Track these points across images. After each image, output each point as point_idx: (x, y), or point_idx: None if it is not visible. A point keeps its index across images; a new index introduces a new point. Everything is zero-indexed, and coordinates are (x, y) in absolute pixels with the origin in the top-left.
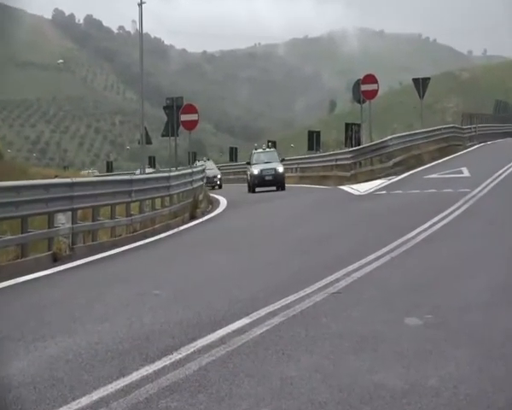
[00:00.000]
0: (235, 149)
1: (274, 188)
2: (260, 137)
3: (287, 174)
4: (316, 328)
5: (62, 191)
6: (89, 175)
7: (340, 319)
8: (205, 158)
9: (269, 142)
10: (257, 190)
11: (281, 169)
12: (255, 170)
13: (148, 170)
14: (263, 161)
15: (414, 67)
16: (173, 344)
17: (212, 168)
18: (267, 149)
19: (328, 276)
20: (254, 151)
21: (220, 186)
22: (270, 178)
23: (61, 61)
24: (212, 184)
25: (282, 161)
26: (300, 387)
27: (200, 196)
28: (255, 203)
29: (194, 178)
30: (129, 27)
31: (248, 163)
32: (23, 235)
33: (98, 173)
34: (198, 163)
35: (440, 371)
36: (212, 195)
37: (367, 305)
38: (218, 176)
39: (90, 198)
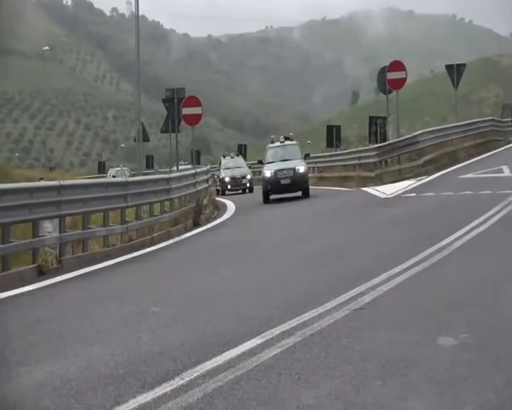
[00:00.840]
0: (245, 146)
1: (295, 194)
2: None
3: None
4: (337, 349)
5: (48, 196)
6: (120, 174)
7: (365, 340)
8: (231, 153)
9: (286, 138)
10: (273, 197)
11: (302, 169)
12: (268, 171)
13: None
14: (280, 159)
15: (447, 53)
16: (174, 368)
17: (239, 166)
18: (286, 143)
19: (351, 290)
20: (269, 145)
21: (251, 190)
22: (287, 181)
23: (46, 48)
24: (239, 187)
25: (307, 157)
26: None
27: (205, 201)
28: (266, 209)
29: (197, 179)
30: (123, 9)
31: (261, 162)
32: (4, 245)
33: (129, 172)
34: (182, 166)
35: (478, 398)
36: (218, 199)
37: (395, 323)
38: (248, 176)
39: (79, 203)
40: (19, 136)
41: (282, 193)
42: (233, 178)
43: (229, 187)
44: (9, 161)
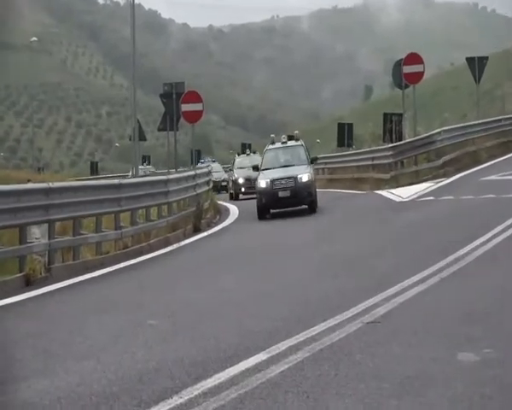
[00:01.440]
0: (249, 145)
1: (299, 207)
2: (278, 132)
3: None
4: (348, 366)
5: (36, 199)
6: (144, 172)
7: (378, 355)
8: (247, 151)
9: (290, 137)
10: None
11: (306, 177)
12: (262, 181)
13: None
14: (280, 164)
15: (469, 44)
16: (173, 386)
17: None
18: (289, 143)
19: (364, 301)
20: (268, 147)
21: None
22: (286, 193)
23: (34, 39)
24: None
25: (314, 161)
26: None
27: (206, 204)
28: (272, 213)
29: (197, 181)
30: None
31: (256, 168)
32: None
33: (153, 170)
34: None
35: None
36: (220, 202)
37: (411, 338)
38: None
39: (70, 207)
40: (4, 134)
41: (280, 208)
42: (248, 180)
43: (243, 190)
44: None
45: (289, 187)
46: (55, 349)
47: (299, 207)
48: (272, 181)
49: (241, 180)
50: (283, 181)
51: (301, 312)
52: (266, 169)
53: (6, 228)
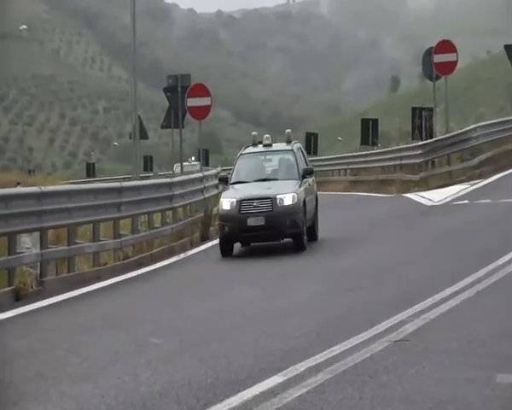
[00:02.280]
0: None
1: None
2: (295, 128)
3: (332, 178)
4: (374, 389)
5: (27, 205)
6: (189, 168)
7: (408, 377)
8: (192, 159)
9: (309, 134)
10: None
11: (289, 199)
12: (226, 201)
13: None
14: (257, 177)
15: (507, 30)
16: None
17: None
18: (274, 147)
19: (391, 317)
20: (243, 151)
21: None
22: (258, 222)
23: (23, 27)
24: None
25: (308, 174)
26: None
27: (215, 210)
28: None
29: (205, 184)
30: None
31: (223, 180)
32: None
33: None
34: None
35: None
36: None
37: (444, 357)
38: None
39: (64, 213)
40: None
41: (248, 241)
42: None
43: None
44: None
45: (263, 212)
46: (49, 371)
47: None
48: (239, 202)
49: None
50: (255, 203)
51: (321, 329)
52: (237, 183)
53: None
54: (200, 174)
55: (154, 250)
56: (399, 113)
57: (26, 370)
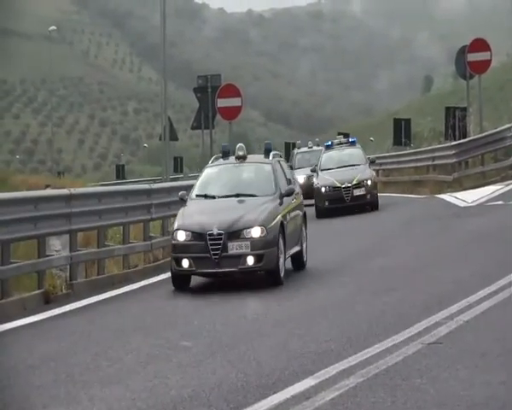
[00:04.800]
0: (293, 144)
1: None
2: (326, 129)
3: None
4: (407, 393)
5: (56, 207)
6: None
7: (441, 380)
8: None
9: (339, 134)
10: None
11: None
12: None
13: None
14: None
15: None
16: None
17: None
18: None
19: (424, 320)
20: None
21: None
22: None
23: (53, 28)
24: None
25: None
26: None
27: None
28: (320, 219)
29: None
30: None
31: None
32: (3, 268)
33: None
34: None
35: None
36: None
37: (478, 360)
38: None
39: (93, 216)
40: (20, 134)
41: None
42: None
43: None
44: (9, 165)
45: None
46: (78, 374)
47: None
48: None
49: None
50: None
51: (353, 332)
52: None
53: (23, 240)
54: None
55: None
56: (432, 112)
57: (55, 373)
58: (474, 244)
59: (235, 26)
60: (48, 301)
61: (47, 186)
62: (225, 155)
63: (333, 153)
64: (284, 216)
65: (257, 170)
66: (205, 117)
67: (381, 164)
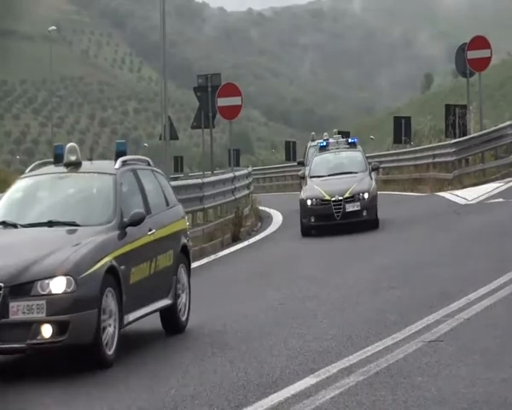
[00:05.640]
0: (293, 143)
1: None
2: (327, 127)
3: None
4: (408, 390)
5: None
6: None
7: (442, 378)
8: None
9: (340, 133)
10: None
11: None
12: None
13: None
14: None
15: None
16: None
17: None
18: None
19: (425, 317)
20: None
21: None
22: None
23: (53, 28)
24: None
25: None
26: None
27: (246, 210)
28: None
29: (236, 185)
30: None
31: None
32: None
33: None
34: None
35: None
36: (262, 208)
37: (479, 358)
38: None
39: None
40: (21, 135)
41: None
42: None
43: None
44: (9, 166)
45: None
46: (79, 374)
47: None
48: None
49: (310, 201)
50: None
51: (353, 330)
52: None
53: None
54: (230, 174)
55: None
56: (432, 110)
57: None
58: (474, 242)
59: (236, 25)
60: None
61: None
62: (58, 159)
63: (326, 156)
64: (123, 257)
65: (90, 184)
66: (205, 116)
67: (381, 162)
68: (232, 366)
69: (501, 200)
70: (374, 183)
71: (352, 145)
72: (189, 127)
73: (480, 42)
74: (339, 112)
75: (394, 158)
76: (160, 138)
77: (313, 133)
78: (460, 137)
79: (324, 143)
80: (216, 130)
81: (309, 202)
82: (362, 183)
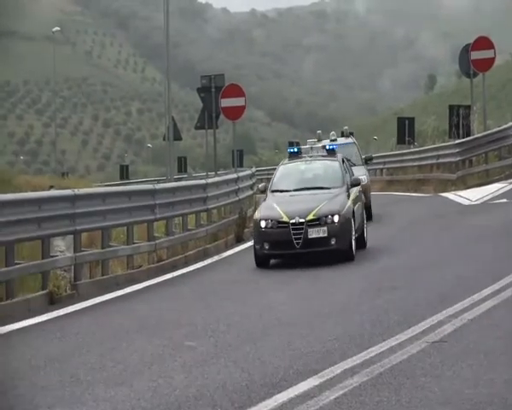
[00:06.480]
0: (297, 143)
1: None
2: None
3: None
4: (411, 391)
5: (60, 208)
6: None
7: (446, 379)
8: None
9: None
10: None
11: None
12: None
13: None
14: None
15: None
16: None
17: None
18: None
19: (428, 318)
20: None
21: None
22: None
23: (56, 29)
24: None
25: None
26: None
27: (250, 211)
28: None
29: (240, 185)
30: None
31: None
32: (8, 269)
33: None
34: None
35: None
36: None
37: (482, 358)
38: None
39: (98, 216)
40: (24, 135)
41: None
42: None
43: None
44: (13, 166)
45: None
46: (83, 375)
47: None
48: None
49: (264, 223)
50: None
51: (357, 331)
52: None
53: (27, 241)
54: (234, 175)
55: (189, 253)
56: (436, 111)
57: (60, 374)
58: (478, 242)
59: (239, 26)
60: (52, 301)
61: (51, 187)
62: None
63: (295, 165)
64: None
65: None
66: (208, 117)
67: (384, 163)
68: (236, 367)
69: (505, 200)
70: (349, 202)
71: (331, 153)
72: (193, 128)
73: (483, 42)
74: (341, 112)
75: (398, 159)
76: (164, 139)
77: (319, 132)
78: (464, 137)
79: (295, 149)
80: (219, 130)
81: (263, 224)
82: (333, 202)
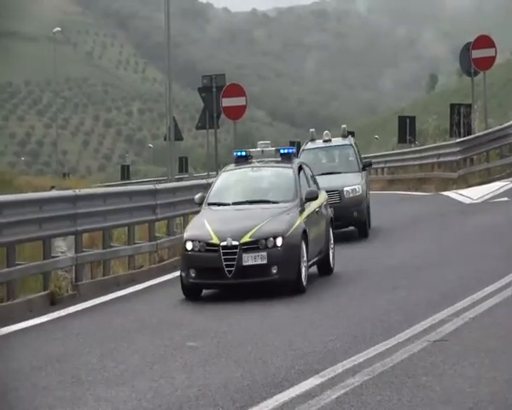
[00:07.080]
0: (298, 143)
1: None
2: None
3: (369, 177)
4: (412, 390)
5: (62, 208)
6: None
7: (447, 378)
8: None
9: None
10: None
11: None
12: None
13: None
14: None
15: None
16: None
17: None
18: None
19: (429, 317)
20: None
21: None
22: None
23: (57, 29)
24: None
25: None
26: None
27: None
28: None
29: None
30: None
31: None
32: (9, 269)
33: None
34: None
35: None
36: None
37: (484, 357)
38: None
39: (99, 217)
40: (25, 136)
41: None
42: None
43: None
44: (14, 167)
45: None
46: (84, 375)
47: None
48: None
49: (189, 244)
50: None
51: (358, 330)
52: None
53: (28, 241)
54: None
55: None
56: (437, 110)
57: (61, 374)
58: (479, 241)
59: (240, 26)
60: (53, 302)
61: (52, 187)
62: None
63: (239, 173)
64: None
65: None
66: (210, 117)
67: (385, 162)
68: (237, 367)
69: (506, 199)
70: (300, 221)
71: (286, 158)
72: (194, 128)
73: (484, 41)
74: (343, 112)
75: (399, 158)
76: (165, 139)
77: (312, 130)
78: (465, 136)
79: (243, 153)
80: (220, 130)
81: (189, 246)
82: (277, 220)
